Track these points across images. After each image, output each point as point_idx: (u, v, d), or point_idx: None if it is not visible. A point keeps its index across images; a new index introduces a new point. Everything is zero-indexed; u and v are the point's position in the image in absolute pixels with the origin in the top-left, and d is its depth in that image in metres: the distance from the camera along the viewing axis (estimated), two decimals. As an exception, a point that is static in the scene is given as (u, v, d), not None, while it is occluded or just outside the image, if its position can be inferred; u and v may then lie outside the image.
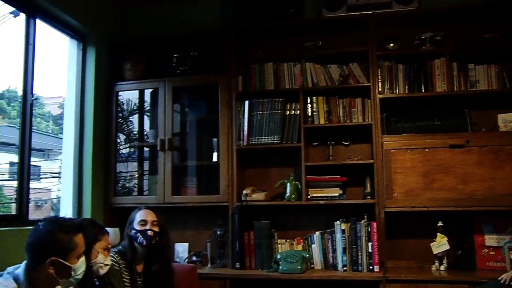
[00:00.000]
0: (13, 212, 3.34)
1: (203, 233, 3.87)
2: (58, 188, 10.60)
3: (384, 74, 3.59)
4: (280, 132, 3.63)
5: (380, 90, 3.57)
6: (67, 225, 1.98)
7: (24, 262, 1.96)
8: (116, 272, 2.69)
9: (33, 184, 3.39)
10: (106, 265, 2.46)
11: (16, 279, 1.88)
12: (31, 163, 3.43)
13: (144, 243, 2.78)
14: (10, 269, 1.96)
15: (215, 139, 3.80)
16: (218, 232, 3.69)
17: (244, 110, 3.71)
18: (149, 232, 2.78)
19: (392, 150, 3.46)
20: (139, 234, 2.79)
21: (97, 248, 2.41)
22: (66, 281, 1.94)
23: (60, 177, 10.39)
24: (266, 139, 3.64)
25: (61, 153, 11.66)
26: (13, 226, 3.12)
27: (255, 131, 3.67)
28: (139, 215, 2.86)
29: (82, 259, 2.00)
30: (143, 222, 2.82)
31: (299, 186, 3.61)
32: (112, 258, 2.70)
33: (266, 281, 3.48)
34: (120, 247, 2.85)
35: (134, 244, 2.81)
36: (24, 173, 3.31)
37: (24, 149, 3.33)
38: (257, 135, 3.66)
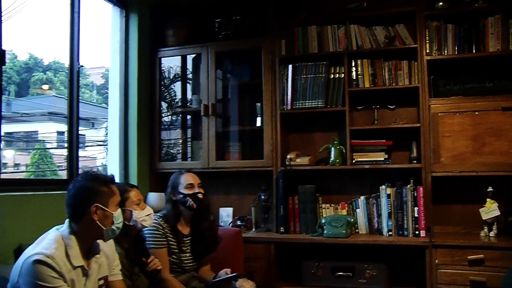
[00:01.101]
0: (64, 177, 3.47)
1: (247, 197, 3.91)
2: (103, 155, 10.93)
3: (432, 34, 3.46)
4: (324, 96, 3.58)
5: (427, 51, 3.45)
6: (102, 176, 2.09)
7: (67, 219, 2.03)
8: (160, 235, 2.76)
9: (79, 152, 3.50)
10: (147, 215, 2.51)
11: (61, 236, 1.96)
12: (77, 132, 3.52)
13: (195, 206, 2.83)
14: (53, 229, 2.04)
15: (259, 104, 3.79)
16: (262, 197, 3.71)
17: (287, 74, 3.67)
18: (199, 195, 2.84)
19: (439, 114, 3.37)
20: (188, 198, 2.83)
21: (128, 207, 2.46)
22: (110, 229, 2.02)
23: (105, 145, 10.69)
24: (310, 103, 3.60)
25: (105, 122, 11.94)
26: (65, 190, 3.24)
27: (299, 95, 3.63)
28: (184, 179, 2.89)
29: (119, 210, 2.09)
30: (190, 185, 2.86)
31: (344, 151, 3.57)
32: (156, 223, 2.77)
33: (310, 245, 3.51)
34: (165, 211, 2.91)
35: (180, 208, 2.86)
36: (73, 141, 3.43)
37: (73, 118, 3.43)
38: (301, 99, 3.62)
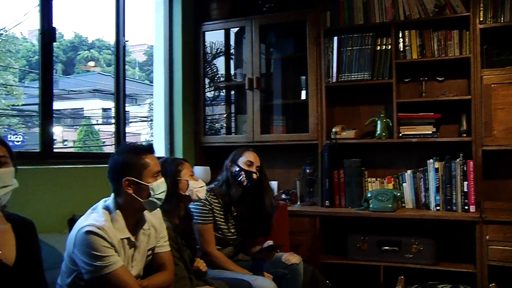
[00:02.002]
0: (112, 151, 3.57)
1: (292, 171, 3.90)
2: (147, 131, 11.15)
3: (487, 1, 3.30)
4: (371, 68, 3.50)
5: (481, 19, 3.30)
6: (137, 147, 2.05)
7: (112, 193, 2.08)
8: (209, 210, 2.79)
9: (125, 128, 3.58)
10: (201, 187, 2.51)
11: (107, 209, 2.01)
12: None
13: (245, 183, 2.82)
14: (101, 202, 2.10)
15: (303, 77, 3.75)
16: (307, 170, 3.70)
17: (333, 47, 3.60)
18: (254, 175, 2.83)
19: (492, 85, 3.24)
20: (242, 172, 2.83)
21: (183, 178, 2.46)
22: (148, 201, 2.00)
23: (148, 121, 10.89)
24: (356, 76, 3.54)
25: (148, 98, 12.12)
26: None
27: (344, 67, 3.57)
28: (247, 155, 2.89)
29: (161, 179, 2.05)
30: (250, 163, 2.86)
31: (390, 124, 3.50)
32: (203, 198, 2.80)
33: (355, 219, 3.50)
34: (213, 185, 2.93)
35: (231, 180, 2.86)
36: (120, 117, 3.53)
37: (119, 95, 3.52)
38: (346, 72, 3.56)
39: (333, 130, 3.59)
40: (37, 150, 2.92)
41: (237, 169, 2.85)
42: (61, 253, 2.44)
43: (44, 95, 2.92)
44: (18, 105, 12.72)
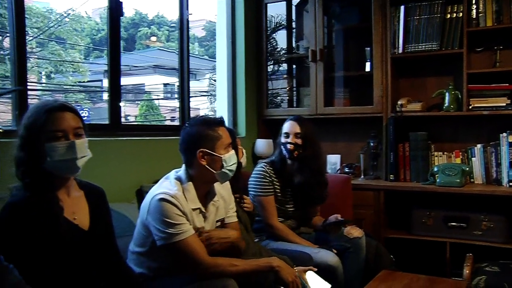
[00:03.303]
0: (176, 123, 3.66)
1: (355, 144, 3.85)
2: (207, 106, 11.29)
3: None
4: (439, 37, 3.35)
5: None
6: (209, 120, 2.08)
7: (184, 164, 2.12)
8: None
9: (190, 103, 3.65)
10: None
11: (179, 179, 2.06)
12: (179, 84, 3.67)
13: (286, 155, 2.82)
14: (172, 172, 2.15)
15: (368, 48, 3.66)
16: (371, 144, 3.64)
17: (399, 16, 3.47)
18: (289, 146, 2.80)
19: None
20: (282, 146, 2.84)
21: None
22: (220, 172, 2.04)
23: (208, 96, 11.02)
24: (423, 46, 3.40)
25: (207, 73, 12.22)
26: (178, 136, 3.42)
27: (411, 37, 3.43)
28: (284, 127, 2.88)
29: (231, 152, 2.08)
30: (286, 134, 2.84)
31: (459, 96, 3.36)
32: (263, 170, 2.81)
33: (421, 194, 3.41)
34: (273, 157, 2.94)
35: (278, 153, 2.87)
36: (184, 92, 3.62)
37: (184, 70, 3.62)
38: (413, 42, 3.43)
39: (399, 102, 3.49)
40: (106, 123, 3.05)
41: (280, 143, 2.86)
42: (130, 221, 2.55)
43: (112, 70, 3.04)
44: (83, 82, 13.24)
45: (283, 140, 2.84)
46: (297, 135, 2.81)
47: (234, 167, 2.10)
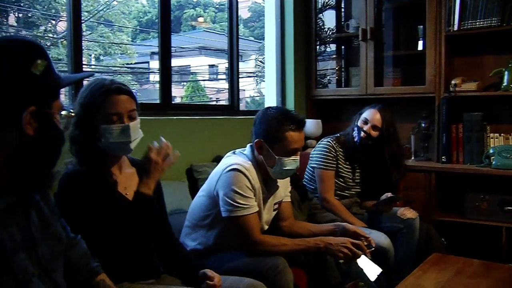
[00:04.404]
0: (227, 103, 3.70)
1: (405, 125, 3.73)
2: (252, 87, 11.32)
3: None
4: (500, 13, 3.17)
5: None
6: (286, 118, 2.04)
7: (249, 145, 2.14)
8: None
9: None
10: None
11: (247, 158, 2.10)
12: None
13: (355, 139, 2.81)
14: (239, 151, 2.17)
15: (421, 26, 3.53)
16: (423, 125, 3.54)
17: (455, -8, 3.33)
18: (362, 134, 2.79)
19: None
20: (356, 129, 2.83)
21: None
22: (272, 169, 2.06)
23: (254, 77, 11.04)
24: (481, 22, 3.24)
25: (252, 54, 12.19)
26: (227, 115, 3.46)
27: (468, 14, 3.28)
28: (367, 113, 2.85)
29: (292, 158, 2.04)
30: (365, 120, 2.82)
31: (520, 75, 3.21)
32: (329, 145, 2.81)
33: (474, 176, 3.30)
34: (341, 133, 2.95)
35: (351, 132, 2.87)
36: (234, 73, 3.64)
37: (233, 52, 3.62)
38: (470, 19, 3.28)
39: (453, 82, 3.37)
40: (158, 102, 3.11)
41: (356, 126, 2.84)
42: (180, 200, 2.61)
43: (163, 51, 3.08)
44: (131, 63, 13.50)
45: (359, 123, 2.83)
46: (375, 128, 2.80)
47: (289, 173, 2.12)
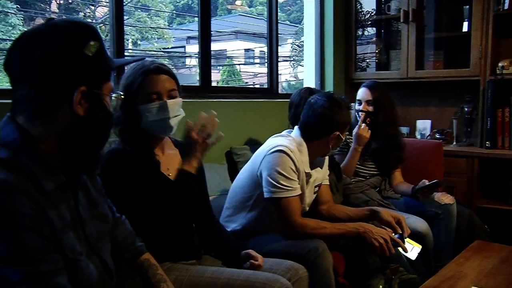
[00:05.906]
0: (266, 86, 3.70)
1: (448, 109, 3.66)
2: (288, 71, 11.24)
3: None
4: (552, -9, 3.05)
5: None
6: (343, 104, 2.11)
7: (297, 127, 2.14)
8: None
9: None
10: None
11: (296, 142, 2.11)
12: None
13: (358, 123, 2.78)
14: (285, 132, 2.18)
15: (467, 6, 3.41)
16: (466, 109, 3.44)
17: (506, -33, 3.18)
18: (361, 114, 2.80)
19: None
20: (356, 114, 2.85)
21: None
22: (333, 151, 2.18)
23: (290, 61, 10.97)
24: (532, 1, 3.10)
25: (288, 38, 12.11)
26: (266, 98, 3.46)
27: (519, -9, 3.14)
28: (357, 94, 2.88)
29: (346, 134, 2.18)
30: (359, 101, 2.86)
31: None
32: None
33: (520, 162, 3.20)
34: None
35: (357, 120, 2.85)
36: (273, 58, 3.67)
37: (272, 36, 3.65)
38: (523, -4, 3.14)
39: (500, 64, 3.24)
40: (197, 85, 3.14)
41: (353, 108, 2.85)
42: (220, 182, 2.63)
43: (203, 34, 3.10)
44: (168, 48, 13.61)
45: (356, 107, 2.85)
46: (369, 102, 2.81)
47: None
